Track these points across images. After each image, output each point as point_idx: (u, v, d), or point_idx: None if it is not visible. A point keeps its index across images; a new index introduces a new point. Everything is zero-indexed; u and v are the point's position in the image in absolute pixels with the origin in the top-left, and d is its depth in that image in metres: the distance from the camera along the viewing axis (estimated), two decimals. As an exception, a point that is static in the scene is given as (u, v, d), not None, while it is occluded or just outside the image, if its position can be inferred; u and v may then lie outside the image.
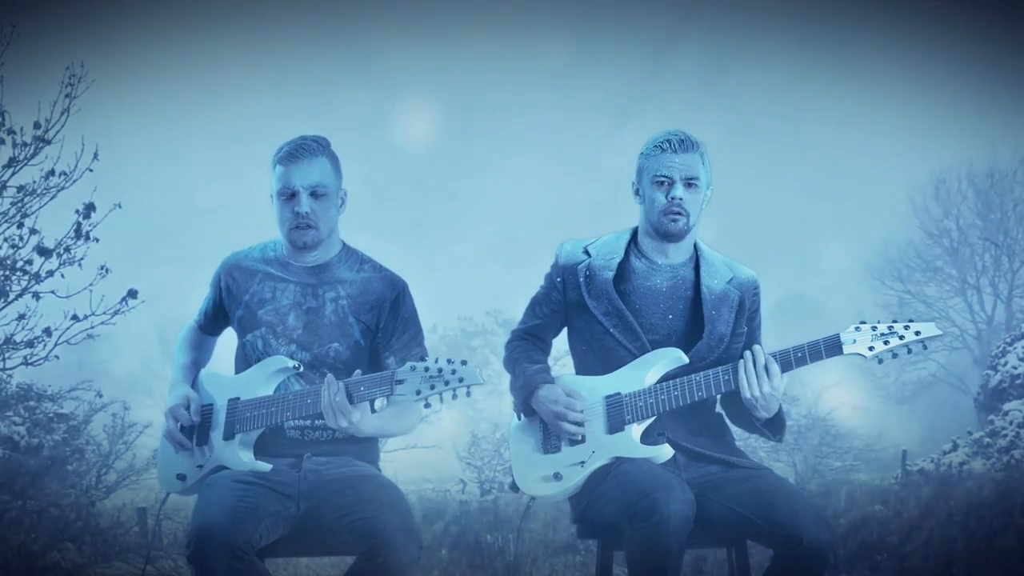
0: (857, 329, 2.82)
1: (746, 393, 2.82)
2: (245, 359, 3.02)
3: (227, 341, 3.15)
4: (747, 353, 2.84)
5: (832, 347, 2.81)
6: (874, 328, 2.81)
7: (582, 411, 2.89)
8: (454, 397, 2.67)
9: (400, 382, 2.68)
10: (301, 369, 2.92)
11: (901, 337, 2.80)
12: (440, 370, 2.66)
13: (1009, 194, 25.11)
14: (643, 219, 3.00)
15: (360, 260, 3.06)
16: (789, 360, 2.83)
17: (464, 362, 2.68)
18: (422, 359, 2.72)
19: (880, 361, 2.83)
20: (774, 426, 2.94)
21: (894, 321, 2.83)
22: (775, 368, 2.81)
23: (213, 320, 3.16)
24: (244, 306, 3.02)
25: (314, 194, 2.92)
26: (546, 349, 3.13)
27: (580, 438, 2.90)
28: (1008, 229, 24.83)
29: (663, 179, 2.90)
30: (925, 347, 2.82)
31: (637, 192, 3.01)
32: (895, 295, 25.92)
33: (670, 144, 2.91)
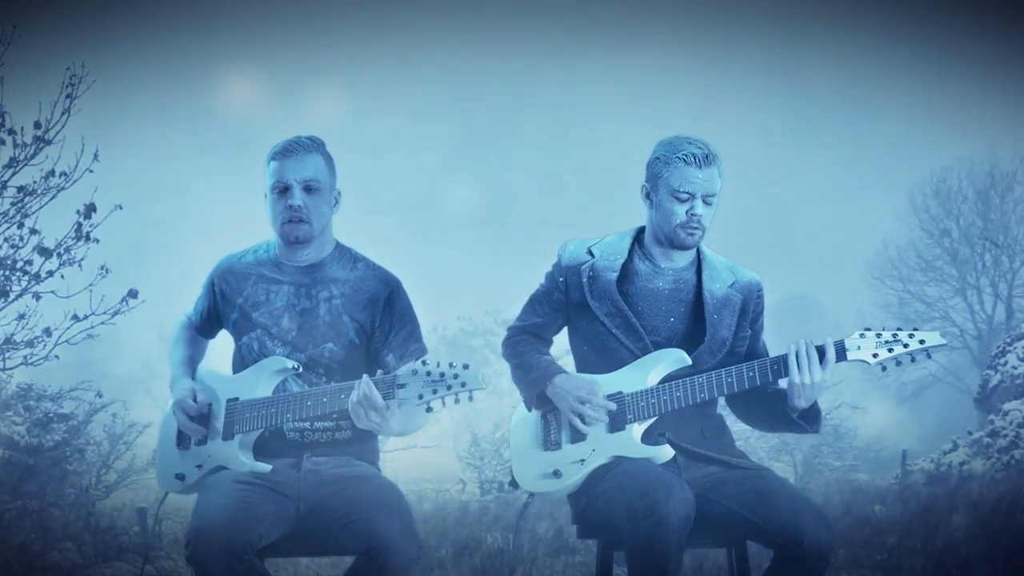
0: (862, 336, 2.83)
1: (796, 379, 2.80)
2: (242, 361, 3.01)
3: (225, 341, 3.15)
4: (801, 341, 2.82)
5: (837, 352, 2.82)
6: (879, 335, 2.82)
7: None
8: (456, 401, 2.67)
9: (402, 386, 2.68)
10: (300, 370, 2.92)
11: (905, 345, 2.81)
12: (442, 374, 2.66)
13: (1009, 194, 25.12)
14: (653, 225, 2.98)
15: (354, 259, 3.05)
16: None
17: (466, 366, 2.67)
18: (423, 360, 2.71)
19: (884, 368, 2.83)
20: (809, 416, 2.91)
21: (899, 329, 2.84)
22: (831, 355, 2.80)
23: (208, 324, 3.15)
24: (238, 309, 3.02)
25: (307, 188, 2.92)
26: (548, 345, 3.13)
27: (584, 435, 2.90)
28: (1008, 229, 24.84)
29: (685, 195, 2.88)
30: (929, 356, 2.83)
31: (648, 196, 2.97)
32: (895, 295, 25.92)
33: (695, 159, 2.87)
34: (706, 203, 2.90)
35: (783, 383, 2.87)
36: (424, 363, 2.70)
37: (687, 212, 2.89)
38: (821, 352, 2.82)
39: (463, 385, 2.65)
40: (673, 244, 2.94)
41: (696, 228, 2.90)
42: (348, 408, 2.76)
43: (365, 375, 2.75)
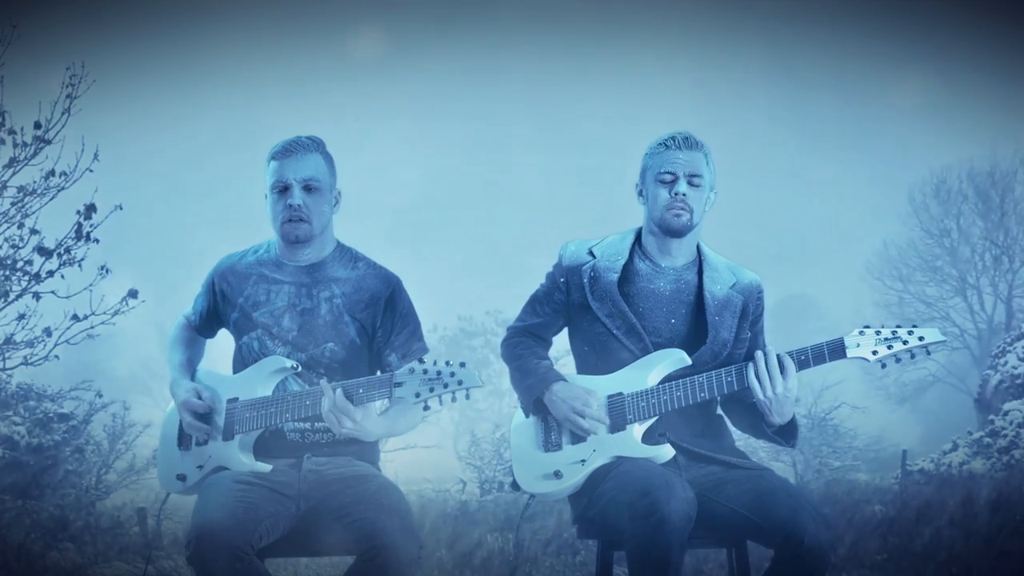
0: (861, 333, 2.83)
1: (759, 395, 2.81)
2: (242, 361, 3.01)
3: (225, 341, 3.15)
4: (758, 353, 2.83)
5: (836, 351, 2.82)
6: (878, 332, 2.82)
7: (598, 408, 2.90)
8: (453, 400, 2.67)
9: (399, 384, 2.68)
10: (299, 369, 2.92)
11: (905, 342, 2.81)
12: (439, 372, 2.66)
13: (1009, 194, 25.14)
14: (647, 218, 3.00)
15: (354, 258, 3.05)
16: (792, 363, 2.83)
17: (463, 364, 2.67)
18: (421, 360, 2.71)
19: (883, 365, 2.83)
20: (787, 432, 2.92)
21: (898, 326, 2.84)
22: (790, 365, 2.81)
23: (207, 323, 3.16)
24: (239, 309, 3.02)
25: (307, 188, 2.92)
26: (547, 347, 3.13)
27: (584, 436, 2.90)
28: (1008, 229, 24.85)
29: (667, 175, 2.91)
30: (928, 353, 2.83)
31: (640, 192, 3.01)
32: (895, 295, 25.94)
33: (674, 141, 2.92)
34: (692, 184, 2.91)
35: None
36: (421, 361, 2.70)
37: (671, 192, 2.90)
38: (781, 364, 2.81)
39: (460, 383, 2.65)
40: (663, 229, 2.94)
41: (682, 208, 2.91)
42: (322, 414, 2.75)
43: (323, 380, 2.75)
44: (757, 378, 2.81)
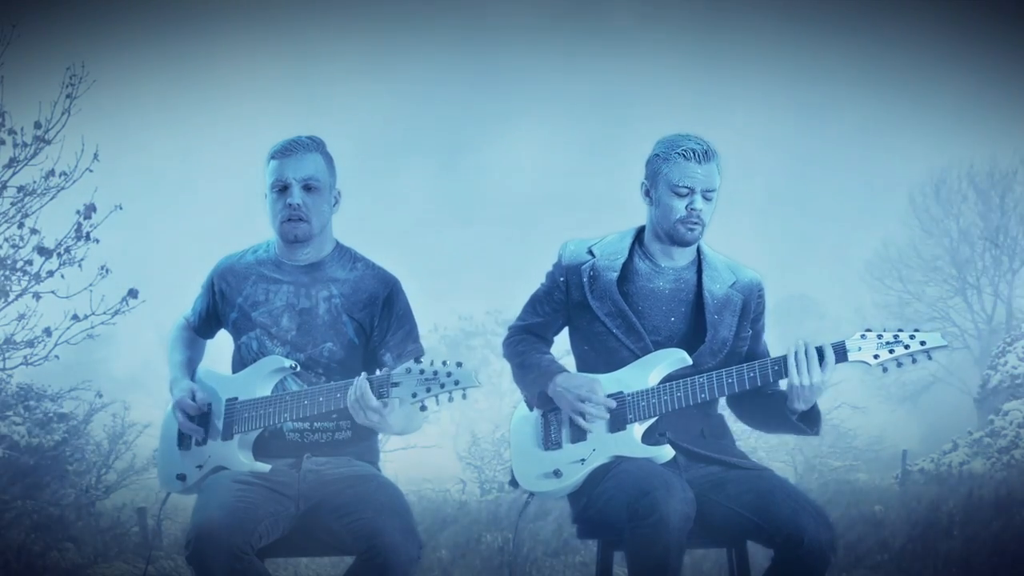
0: (863, 337, 2.82)
1: (795, 380, 2.80)
2: (241, 361, 3.01)
3: (224, 341, 3.14)
4: (800, 342, 2.82)
5: (837, 354, 2.82)
6: (879, 336, 2.82)
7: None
8: (450, 399, 2.67)
9: (395, 384, 2.68)
10: (298, 368, 2.92)
11: (906, 346, 2.80)
12: (436, 372, 2.66)
13: (1009, 194, 25.14)
14: (653, 222, 2.98)
15: (353, 259, 3.05)
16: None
17: (459, 364, 2.66)
18: (418, 359, 2.71)
19: (884, 369, 2.83)
20: (809, 418, 2.91)
21: (900, 330, 2.83)
22: (830, 356, 2.80)
23: (206, 324, 3.15)
24: (238, 309, 3.02)
25: (307, 187, 2.92)
26: (548, 346, 3.13)
27: (584, 435, 2.90)
28: (1008, 229, 24.85)
29: (683, 188, 2.89)
30: (929, 357, 2.83)
31: (647, 193, 2.98)
32: (895, 295, 25.95)
33: (694, 154, 2.88)
34: (705, 198, 2.90)
35: (783, 384, 2.87)
36: (418, 361, 2.69)
37: (687, 207, 2.89)
38: (820, 354, 2.82)
39: (456, 383, 2.65)
40: (673, 240, 2.93)
41: (696, 223, 2.90)
42: (347, 405, 2.76)
43: (364, 373, 2.75)
44: (796, 363, 2.81)
